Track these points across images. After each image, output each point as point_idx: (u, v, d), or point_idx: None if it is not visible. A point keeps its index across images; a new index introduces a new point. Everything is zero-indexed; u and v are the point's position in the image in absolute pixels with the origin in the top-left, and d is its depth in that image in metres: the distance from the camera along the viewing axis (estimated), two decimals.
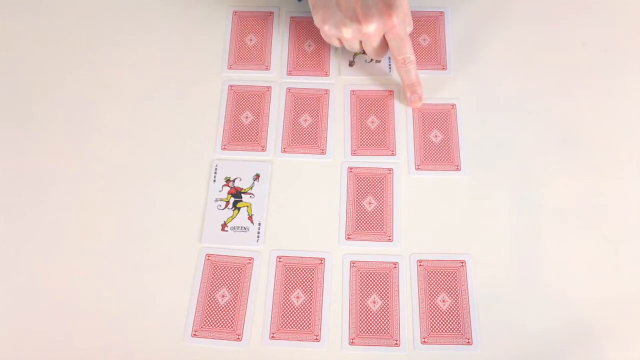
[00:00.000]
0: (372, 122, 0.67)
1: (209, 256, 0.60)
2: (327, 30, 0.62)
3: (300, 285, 0.59)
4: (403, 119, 0.67)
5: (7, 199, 0.64)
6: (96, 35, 0.72)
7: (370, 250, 0.60)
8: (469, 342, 0.56)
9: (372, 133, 0.66)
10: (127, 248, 0.61)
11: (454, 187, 0.63)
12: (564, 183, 0.63)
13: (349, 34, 0.61)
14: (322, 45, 0.71)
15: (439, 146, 0.65)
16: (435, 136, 0.65)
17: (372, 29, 0.60)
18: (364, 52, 0.65)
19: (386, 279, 0.59)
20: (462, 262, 0.59)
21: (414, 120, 0.66)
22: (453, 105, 0.67)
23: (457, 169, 0.64)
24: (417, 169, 0.64)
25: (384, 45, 0.63)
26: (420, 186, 0.63)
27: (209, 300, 0.59)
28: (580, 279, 0.59)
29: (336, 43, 0.64)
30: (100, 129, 0.67)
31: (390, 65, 0.70)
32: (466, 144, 0.65)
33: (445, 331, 0.57)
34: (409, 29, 0.63)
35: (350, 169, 0.64)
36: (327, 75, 0.70)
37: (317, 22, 0.63)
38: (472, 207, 0.62)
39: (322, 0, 0.62)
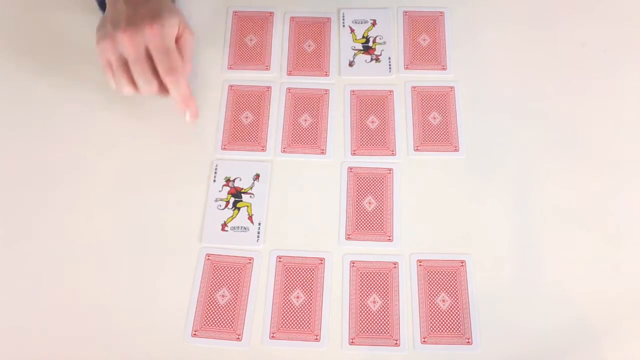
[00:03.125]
0: (372, 122, 0.67)
1: (209, 256, 0.60)
2: (99, 51, 0.61)
3: (300, 285, 0.59)
4: (402, 109, 0.67)
5: (8, 199, 0.64)
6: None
7: (370, 250, 0.60)
8: (469, 342, 0.56)
9: (372, 133, 0.66)
10: (128, 248, 0.61)
11: (453, 179, 0.63)
12: (564, 183, 0.63)
13: (107, 45, 0.60)
14: (322, 45, 0.71)
15: (438, 128, 0.65)
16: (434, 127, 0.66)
17: (128, 36, 0.59)
18: (135, 87, 0.61)
19: (386, 279, 0.59)
20: (462, 262, 0.59)
21: (413, 107, 0.67)
22: (452, 88, 0.67)
23: (456, 150, 0.64)
24: (416, 149, 0.65)
25: (151, 65, 0.60)
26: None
27: (209, 300, 0.59)
28: (580, 279, 0.59)
29: (109, 74, 0.61)
30: (100, 128, 0.67)
31: (390, 65, 0.70)
32: (466, 144, 0.65)
33: (445, 331, 0.57)
34: (188, 42, 0.63)
35: (350, 169, 0.64)
36: (327, 75, 0.70)
37: (96, 44, 0.61)
38: (471, 205, 0.62)
39: (102, 19, 0.62)
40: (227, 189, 0.64)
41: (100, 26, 0.62)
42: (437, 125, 0.66)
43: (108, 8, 0.63)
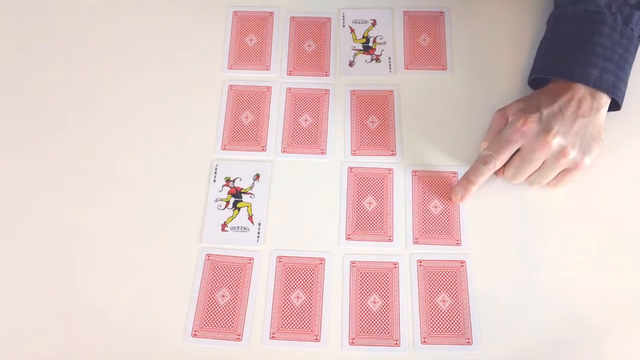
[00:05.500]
0: (372, 122, 0.67)
1: (209, 256, 0.60)
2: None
3: (300, 285, 0.59)
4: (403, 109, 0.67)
5: (9, 199, 0.64)
6: (96, 35, 0.72)
7: (370, 250, 0.60)
8: (469, 342, 0.56)
9: (372, 133, 0.66)
10: (128, 248, 0.61)
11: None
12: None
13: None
14: (322, 45, 0.71)
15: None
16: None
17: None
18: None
19: (386, 279, 0.59)
20: (462, 262, 0.59)
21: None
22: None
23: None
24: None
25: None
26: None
27: (209, 300, 0.59)
28: (580, 279, 0.59)
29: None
30: (101, 129, 0.67)
31: (390, 65, 0.70)
32: (466, 143, 0.65)
33: (445, 331, 0.57)
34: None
35: (350, 169, 0.64)
36: (327, 75, 0.70)
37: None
38: (472, 205, 0.62)
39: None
40: (227, 189, 0.64)
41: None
42: None
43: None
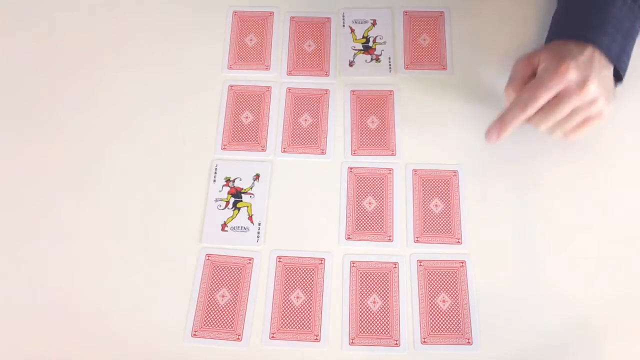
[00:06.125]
0: (372, 122, 0.67)
1: (209, 256, 0.60)
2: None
3: (300, 285, 0.59)
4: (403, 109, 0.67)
5: (9, 200, 0.64)
6: (96, 35, 0.72)
7: (370, 250, 0.60)
8: (469, 342, 0.56)
9: (372, 133, 0.66)
10: (128, 248, 0.61)
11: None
12: (564, 182, 0.63)
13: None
14: (322, 45, 0.71)
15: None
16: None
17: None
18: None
19: (386, 279, 0.59)
20: (462, 262, 0.59)
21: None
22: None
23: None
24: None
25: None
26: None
27: (209, 300, 0.59)
28: (580, 279, 0.59)
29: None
30: (101, 129, 0.67)
31: (390, 65, 0.70)
32: (466, 143, 0.65)
33: (445, 331, 0.57)
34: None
35: (350, 169, 0.64)
36: (327, 75, 0.70)
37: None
38: (472, 205, 0.62)
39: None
40: (227, 189, 0.64)
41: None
42: None
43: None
